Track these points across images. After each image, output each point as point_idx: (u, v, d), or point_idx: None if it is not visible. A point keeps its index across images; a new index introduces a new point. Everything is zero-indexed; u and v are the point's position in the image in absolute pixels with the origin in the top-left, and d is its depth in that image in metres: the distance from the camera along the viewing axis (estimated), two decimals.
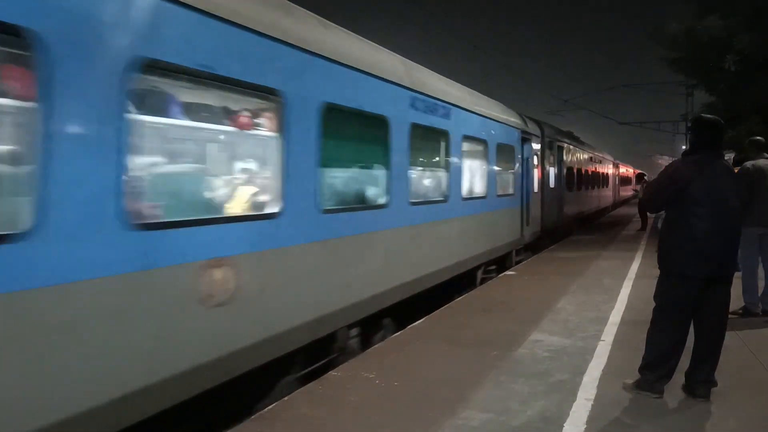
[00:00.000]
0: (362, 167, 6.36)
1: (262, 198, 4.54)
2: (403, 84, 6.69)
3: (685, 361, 4.39)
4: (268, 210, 4.46)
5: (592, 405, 4.22)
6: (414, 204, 6.90)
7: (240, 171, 4.59)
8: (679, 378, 4.41)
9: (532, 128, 13.43)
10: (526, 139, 12.47)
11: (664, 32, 20.18)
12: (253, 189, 4.52)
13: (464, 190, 8.64)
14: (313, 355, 5.14)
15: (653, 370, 4.35)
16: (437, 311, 7.48)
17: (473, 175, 9.30)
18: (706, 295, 4.23)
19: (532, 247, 13.55)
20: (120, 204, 3.22)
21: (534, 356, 5.43)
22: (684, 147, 20.20)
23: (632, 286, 8.79)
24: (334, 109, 5.21)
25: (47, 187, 2.86)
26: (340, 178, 5.78)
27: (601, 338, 5.97)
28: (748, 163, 6.75)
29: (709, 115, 4.54)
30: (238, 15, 4.05)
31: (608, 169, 30.19)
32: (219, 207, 4.29)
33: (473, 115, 9.11)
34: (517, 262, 11.87)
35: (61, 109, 2.93)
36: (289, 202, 4.54)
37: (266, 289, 4.32)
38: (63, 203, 2.93)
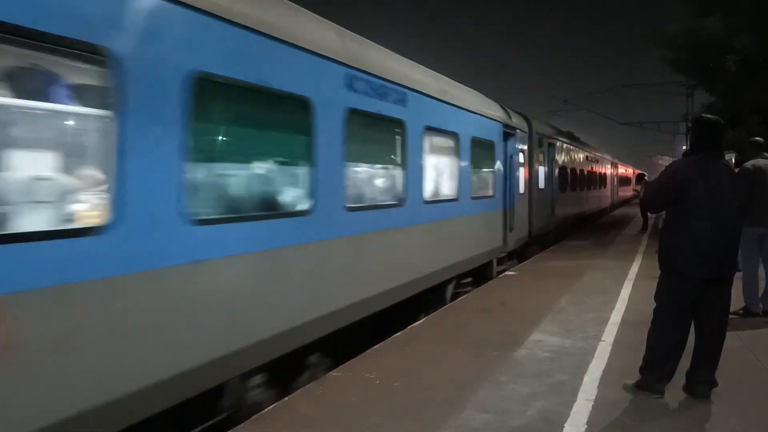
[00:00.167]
0: (268, 160, 4.78)
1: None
2: (336, 58, 5.27)
3: (685, 362, 4.38)
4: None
5: (593, 405, 4.21)
6: (353, 209, 5.58)
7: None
8: (679, 378, 4.40)
9: (517, 122, 12.03)
10: (509, 134, 11.09)
11: (665, 33, 20.21)
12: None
13: (427, 191, 7.31)
14: None
15: (654, 370, 4.35)
16: (437, 311, 7.47)
17: (440, 174, 7.99)
18: (707, 296, 4.23)
19: (519, 254, 12.47)
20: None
21: (534, 357, 5.42)
22: (684, 147, 20.22)
23: (632, 285, 8.79)
24: (212, 82, 3.92)
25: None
26: (228, 174, 4.60)
27: (602, 339, 5.96)
28: (748, 163, 6.75)
29: (709, 116, 4.53)
30: None
31: (606, 169, 28.85)
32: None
33: (440, 103, 7.73)
34: (500, 272, 10.67)
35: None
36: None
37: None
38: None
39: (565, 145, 17.56)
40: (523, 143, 12.41)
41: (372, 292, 5.96)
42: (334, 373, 5.05)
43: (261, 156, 4.70)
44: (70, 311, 2.97)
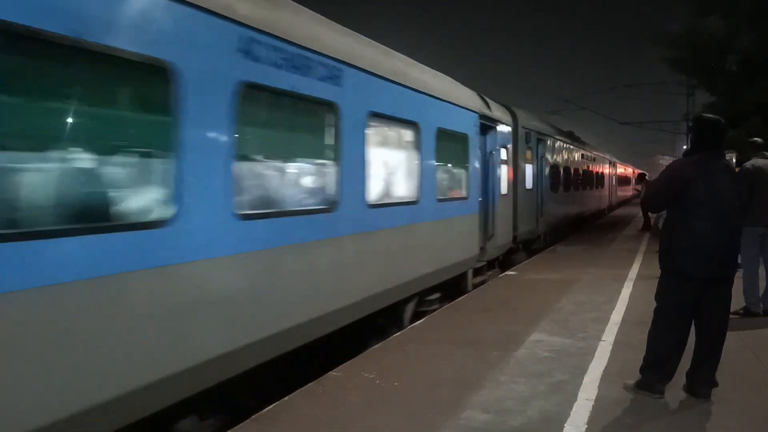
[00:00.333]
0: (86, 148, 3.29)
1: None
2: (221, 12, 3.89)
3: (686, 362, 4.37)
4: None
5: (593, 405, 4.21)
6: (251, 217, 4.17)
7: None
8: (680, 378, 4.39)
9: (500, 114, 10.72)
10: (488, 126, 9.82)
11: (665, 33, 20.24)
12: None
13: (373, 193, 5.88)
14: None
15: (654, 370, 4.34)
16: (437, 312, 7.46)
17: (392, 172, 6.67)
18: (707, 295, 4.22)
19: (504, 261, 11.40)
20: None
21: (534, 356, 5.42)
22: (685, 147, 20.21)
23: (633, 285, 8.79)
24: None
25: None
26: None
27: (602, 338, 5.96)
28: (748, 163, 6.76)
29: (709, 115, 4.53)
30: None
31: (603, 168, 27.54)
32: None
33: (393, 86, 6.29)
34: (479, 284, 9.37)
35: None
36: None
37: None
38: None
39: (556, 142, 16.32)
40: (507, 138, 11.17)
41: (281, 326, 4.50)
42: (334, 373, 5.05)
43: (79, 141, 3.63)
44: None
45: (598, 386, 4.59)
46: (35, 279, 2.76)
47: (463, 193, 8.65)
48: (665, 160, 45.69)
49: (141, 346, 3.31)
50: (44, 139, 3.05)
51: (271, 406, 4.32)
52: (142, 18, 3.34)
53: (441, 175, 7.79)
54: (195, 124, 3.68)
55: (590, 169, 23.00)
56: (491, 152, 10.04)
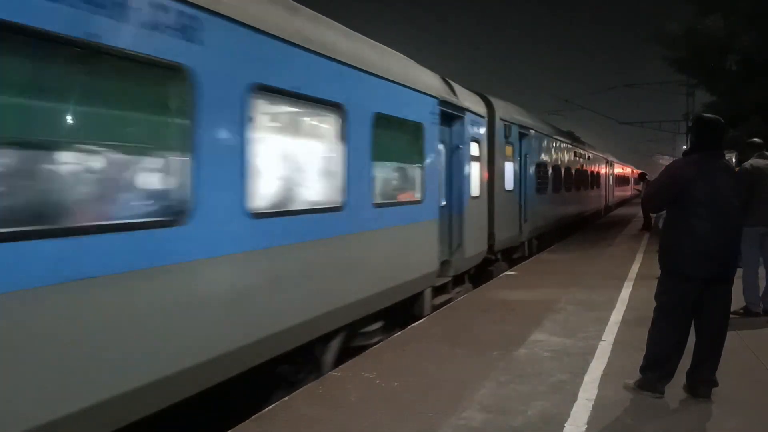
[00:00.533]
0: None
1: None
2: None
3: (686, 361, 4.37)
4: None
5: (593, 405, 4.21)
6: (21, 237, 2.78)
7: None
8: (680, 378, 4.39)
9: (469, 103, 9.08)
10: (453, 116, 8.28)
11: (665, 33, 20.25)
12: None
13: (258, 198, 4.28)
14: None
15: (654, 370, 4.34)
16: (437, 312, 7.45)
17: (302, 168, 5.07)
18: (707, 295, 4.22)
19: (478, 274, 9.84)
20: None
21: (535, 356, 5.42)
22: (685, 147, 20.22)
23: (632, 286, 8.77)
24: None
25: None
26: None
27: (602, 338, 5.95)
28: (747, 164, 6.77)
29: (709, 115, 4.53)
30: None
31: (599, 167, 26.09)
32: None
33: (293, 50, 4.66)
34: (442, 304, 7.77)
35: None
36: None
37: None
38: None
39: (544, 138, 14.71)
40: (480, 131, 9.55)
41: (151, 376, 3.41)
42: (334, 373, 5.05)
43: None
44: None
45: (599, 386, 4.59)
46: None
47: (417, 196, 7.02)
48: (665, 160, 45.68)
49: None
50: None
51: (271, 406, 4.32)
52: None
53: (381, 174, 6.26)
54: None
55: (584, 168, 21.60)
56: (458, 147, 8.53)
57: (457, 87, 8.85)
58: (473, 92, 9.96)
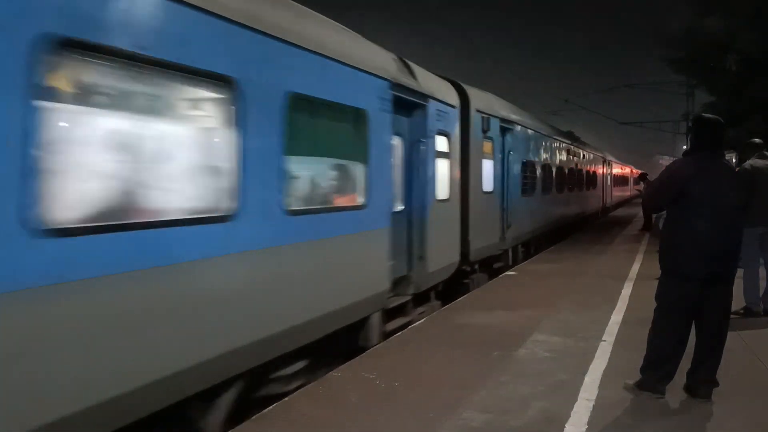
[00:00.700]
0: None
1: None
2: None
3: (686, 362, 4.37)
4: None
5: (594, 405, 4.21)
6: None
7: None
8: (680, 378, 4.39)
9: (434, 89, 7.71)
10: (413, 104, 7.00)
11: (665, 33, 20.26)
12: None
13: (95, 206, 3.16)
14: None
15: (655, 370, 4.34)
16: (437, 312, 7.45)
17: (170, 162, 3.72)
18: (708, 295, 4.22)
19: (447, 289, 8.35)
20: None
21: (535, 356, 5.42)
22: (685, 147, 20.23)
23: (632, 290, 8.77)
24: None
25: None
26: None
27: (603, 338, 5.95)
28: (747, 164, 6.77)
29: (709, 115, 4.53)
30: None
31: (596, 167, 24.61)
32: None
33: (177, 6, 3.51)
34: (399, 329, 6.52)
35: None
36: None
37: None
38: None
39: (531, 134, 13.16)
40: (449, 123, 8.17)
41: None
42: (334, 373, 5.05)
43: None
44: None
45: (599, 386, 4.58)
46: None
47: (358, 200, 5.74)
48: (665, 160, 45.63)
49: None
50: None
51: (271, 406, 4.32)
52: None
53: (302, 172, 4.98)
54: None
55: (579, 167, 20.00)
56: (419, 141, 7.15)
57: (418, 70, 7.42)
58: (443, 78, 8.55)
